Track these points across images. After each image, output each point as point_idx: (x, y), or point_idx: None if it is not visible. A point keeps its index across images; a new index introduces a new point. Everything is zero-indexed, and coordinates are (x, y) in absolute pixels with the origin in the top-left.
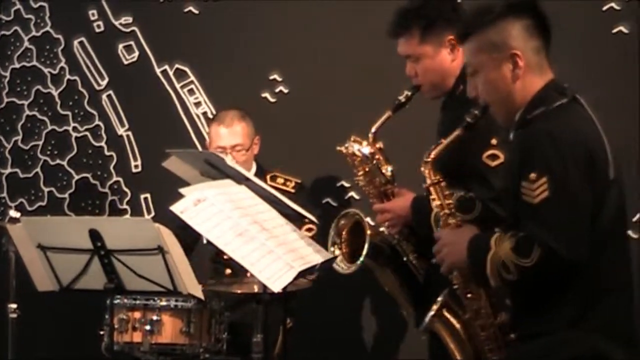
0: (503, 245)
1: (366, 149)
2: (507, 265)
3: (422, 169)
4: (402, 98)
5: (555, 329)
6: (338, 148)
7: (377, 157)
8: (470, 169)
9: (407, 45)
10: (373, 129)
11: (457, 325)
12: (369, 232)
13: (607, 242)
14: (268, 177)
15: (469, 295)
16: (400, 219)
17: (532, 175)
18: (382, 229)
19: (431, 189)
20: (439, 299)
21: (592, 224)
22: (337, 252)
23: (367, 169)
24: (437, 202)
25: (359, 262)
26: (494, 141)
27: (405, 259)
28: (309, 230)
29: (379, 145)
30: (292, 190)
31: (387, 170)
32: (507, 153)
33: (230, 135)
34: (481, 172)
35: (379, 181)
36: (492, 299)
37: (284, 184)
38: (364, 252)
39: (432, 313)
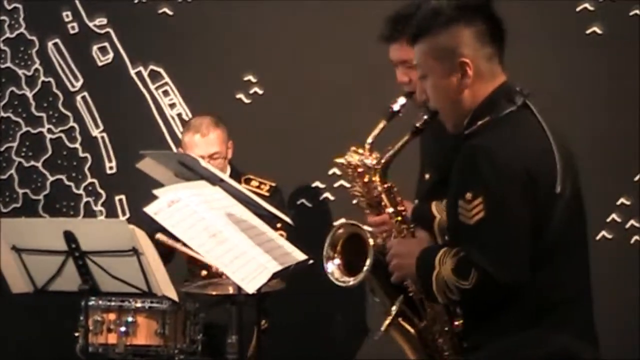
0: (445, 266)
1: (369, 160)
2: (449, 286)
3: (372, 176)
4: (395, 107)
5: (501, 344)
6: (337, 160)
7: (376, 167)
8: None
9: (403, 50)
10: (370, 140)
11: (413, 333)
12: (372, 243)
13: (553, 256)
14: (242, 180)
15: (424, 302)
16: None
17: (468, 195)
18: (370, 236)
19: (383, 196)
20: (393, 307)
21: (535, 240)
22: (334, 267)
23: (365, 180)
24: (390, 209)
25: (362, 274)
26: None
27: None
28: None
29: (376, 155)
30: (267, 194)
31: None
32: None
33: (207, 145)
34: None
35: (377, 192)
36: (448, 306)
37: (258, 187)
38: (367, 266)
39: (387, 321)
